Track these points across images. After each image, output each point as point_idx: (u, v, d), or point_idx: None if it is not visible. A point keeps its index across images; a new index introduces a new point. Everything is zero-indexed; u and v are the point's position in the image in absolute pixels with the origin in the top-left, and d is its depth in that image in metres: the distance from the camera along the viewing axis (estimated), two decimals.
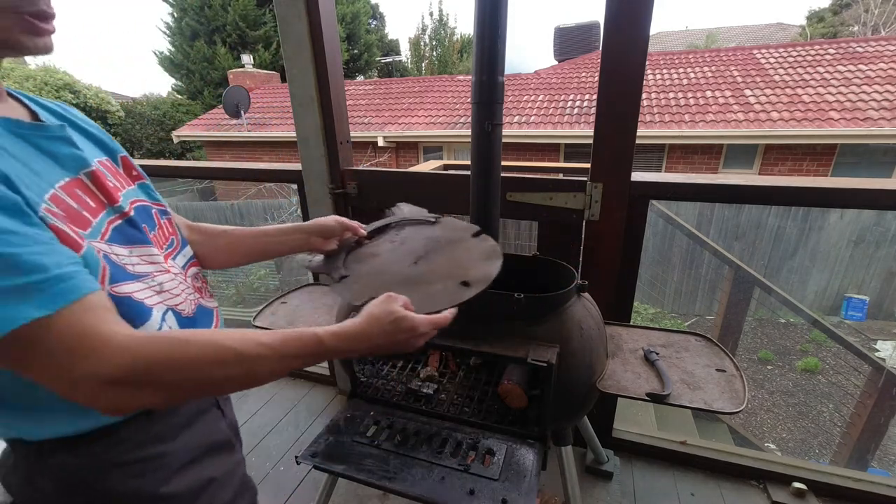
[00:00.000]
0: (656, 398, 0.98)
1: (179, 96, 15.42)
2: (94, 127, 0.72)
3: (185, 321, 0.68)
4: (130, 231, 0.65)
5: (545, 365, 0.91)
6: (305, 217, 1.86)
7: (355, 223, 0.98)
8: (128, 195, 0.68)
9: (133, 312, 0.58)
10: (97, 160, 0.66)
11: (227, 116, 9.96)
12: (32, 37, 0.55)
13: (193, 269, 0.79)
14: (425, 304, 0.73)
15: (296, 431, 1.92)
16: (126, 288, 0.59)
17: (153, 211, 0.74)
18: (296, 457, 0.99)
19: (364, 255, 0.96)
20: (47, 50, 0.57)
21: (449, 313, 0.71)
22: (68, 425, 0.56)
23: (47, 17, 0.55)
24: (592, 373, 1.04)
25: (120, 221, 0.64)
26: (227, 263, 0.88)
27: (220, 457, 0.69)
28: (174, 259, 0.74)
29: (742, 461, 1.60)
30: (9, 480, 0.59)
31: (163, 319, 0.64)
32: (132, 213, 0.66)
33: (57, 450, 0.56)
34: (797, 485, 1.51)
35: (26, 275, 0.45)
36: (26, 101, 0.63)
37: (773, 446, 4.35)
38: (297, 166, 1.81)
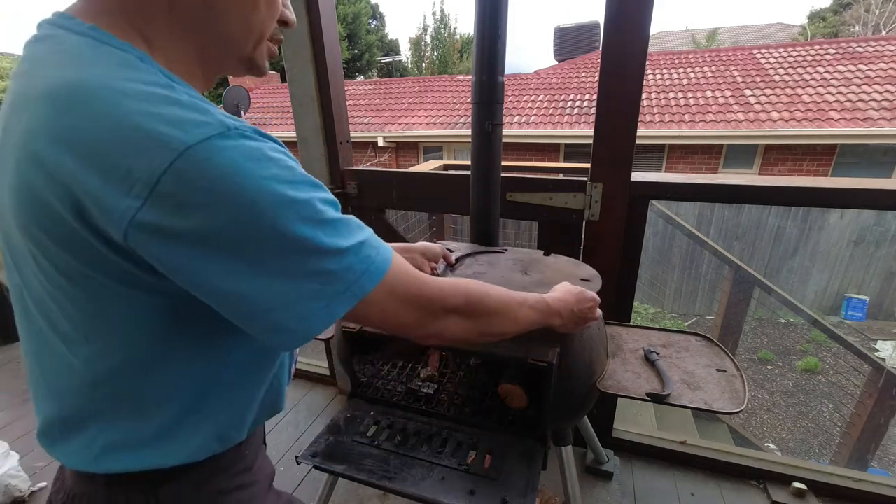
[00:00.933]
0: (657, 398, 0.98)
1: None
2: None
3: None
4: None
5: (545, 365, 0.91)
6: None
7: (449, 253, 1.11)
8: None
9: None
10: None
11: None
12: (268, 61, 0.57)
13: None
14: None
15: (296, 431, 1.92)
16: None
17: None
18: (296, 457, 0.99)
19: (471, 275, 1.09)
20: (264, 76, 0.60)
21: (596, 299, 0.86)
22: (205, 448, 0.54)
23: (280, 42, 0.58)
24: (593, 373, 1.04)
25: None
26: None
27: (275, 489, 0.71)
28: None
29: (742, 461, 1.60)
30: None
31: None
32: None
33: (174, 477, 0.54)
34: (797, 485, 1.51)
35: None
36: None
37: (773, 446, 4.35)
38: None
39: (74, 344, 0.47)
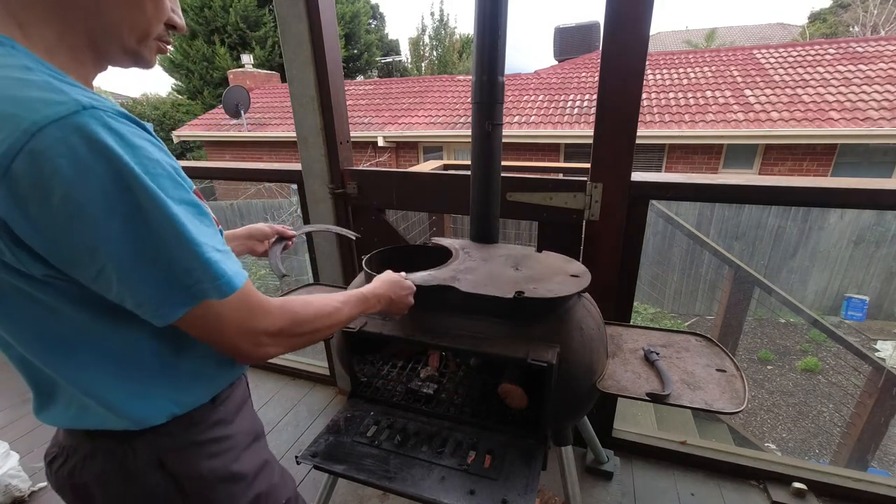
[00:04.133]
0: (657, 398, 0.98)
1: (179, 96, 15.41)
2: None
3: None
4: None
5: (545, 365, 0.91)
6: (305, 217, 1.86)
7: (282, 227, 1.11)
8: None
9: None
10: None
11: (227, 116, 9.95)
12: (156, 57, 0.62)
13: None
14: (563, 292, 0.97)
15: (296, 431, 1.92)
16: None
17: None
18: (296, 457, 0.99)
19: (463, 270, 1.10)
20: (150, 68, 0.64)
21: (411, 287, 0.94)
22: (163, 410, 0.61)
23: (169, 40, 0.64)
24: (592, 373, 1.04)
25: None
26: None
27: (262, 442, 0.77)
28: None
29: (742, 461, 1.60)
30: (87, 469, 0.61)
31: None
32: None
33: (147, 433, 0.61)
34: (797, 485, 1.51)
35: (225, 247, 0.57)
36: None
37: (773, 446, 4.35)
38: (297, 166, 1.81)
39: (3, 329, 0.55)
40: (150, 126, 0.54)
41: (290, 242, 1.10)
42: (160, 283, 0.49)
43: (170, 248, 0.48)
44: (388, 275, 0.92)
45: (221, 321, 0.55)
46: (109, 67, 0.59)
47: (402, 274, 0.96)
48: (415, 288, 0.94)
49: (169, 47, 0.63)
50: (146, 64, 0.60)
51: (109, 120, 0.45)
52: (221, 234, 0.60)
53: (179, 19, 0.62)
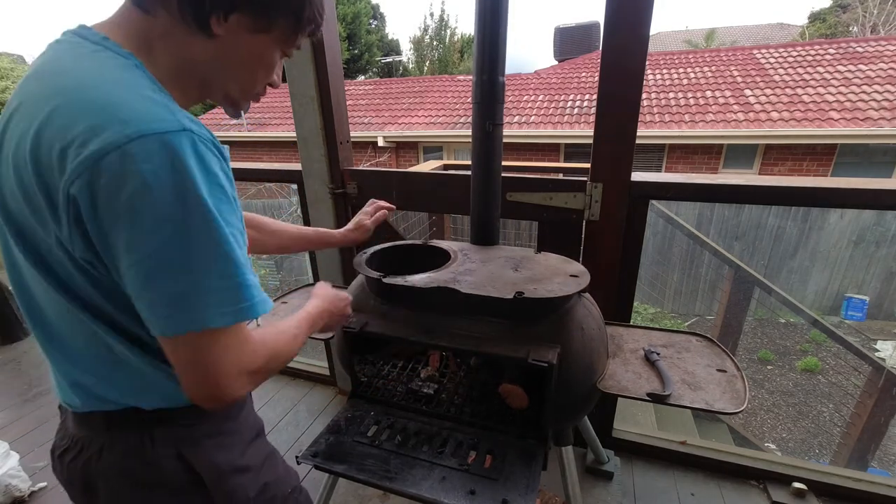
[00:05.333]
0: (657, 398, 0.98)
1: None
2: None
3: None
4: None
5: (546, 365, 0.91)
6: (305, 217, 1.86)
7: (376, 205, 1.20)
8: None
9: None
10: None
11: (227, 116, 9.93)
12: (248, 106, 0.70)
13: None
14: (563, 292, 0.97)
15: (296, 431, 1.92)
16: None
17: None
18: (296, 457, 0.99)
19: (462, 271, 1.09)
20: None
21: (347, 297, 0.92)
22: (176, 397, 0.62)
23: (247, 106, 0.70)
24: (593, 373, 1.04)
25: None
26: (264, 252, 1.06)
27: (263, 438, 0.79)
28: None
29: (742, 461, 1.60)
30: (104, 460, 0.62)
31: None
32: None
33: (166, 420, 0.63)
34: (797, 485, 1.51)
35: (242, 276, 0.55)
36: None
37: (773, 446, 4.35)
38: (297, 166, 1.81)
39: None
40: (227, 151, 0.59)
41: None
42: (186, 292, 0.50)
43: (209, 261, 0.51)
44: (323, 288, 0.89)
45: (214, 350, 0.53)
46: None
47: (326, 284, 0.93)
48: (351, 298, 0.92)
49: (259, 98, 0.70)
50: (238, 109, 0.68)
51: (199, 144, 0.51)
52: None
53: (278, 79, 0.68)
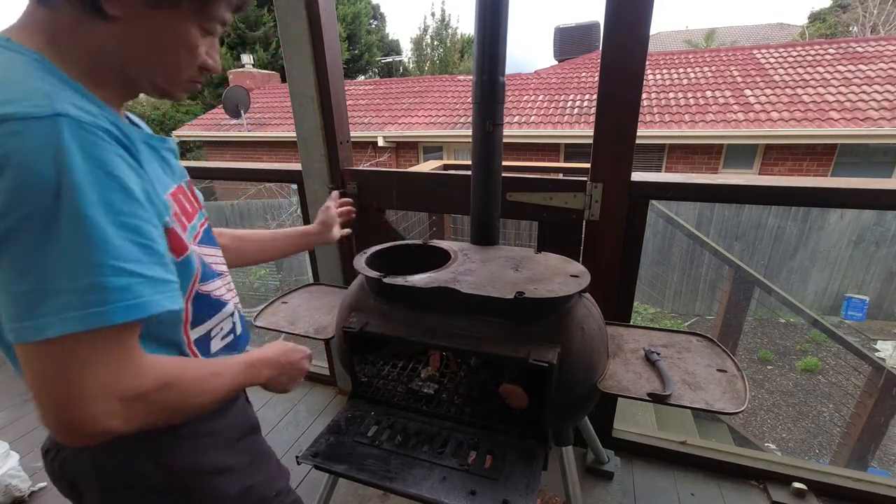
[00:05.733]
0: (658, 398, 0.98)
1: None
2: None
3: (241, 318, 0.79)
4: (211, 233, 0.76)
5: (546, 365, 0.91)
6: (305, 217, 1.86)
7: (335, 201, 1.18)
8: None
9: (208, 307, 0.69)
10: None
11: (227, 116, 9.95)
12: (186, 92, 0.65)
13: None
14: (563, 292, 0.97)
15: (296, 431, 1.92)
16: (209, 286, 0.69)
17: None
18: (296, 457, 0.99)
19: (463, 271, 1.09)
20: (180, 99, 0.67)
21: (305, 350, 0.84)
22: None
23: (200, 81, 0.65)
24: (593, 373, 1.04)
25: (207, 224, 0.74)
26: (241, 265, 1.01)
27: (256, 437, 0.79)
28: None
29: (742, 461, 1.60)
30: (81, 460, 0.62)
31: (233, 314, 0.76)
32: (209, 222, 0.77)
33: None
34: (797, 485, 1.51)
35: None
36: (132, 118, 0.71)
37: (773, 446, 4.35)
38: (297, 166, 1.81)
39: None
40: (141, 139, 0.58)
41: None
42: (29, 292, 0.44)
43: (62, 257, 0.44)
44: (278, 343, 0.83)
45: (68, 365, 0.45)
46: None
47: (290, 345, 0.85)
48: (310, 352, 0.85)
49: (198, 87, 0.66)
50: (173, 98, 0.64)
51: (81, 131, 0.46)
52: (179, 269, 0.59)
53: (214, 62, 0.63)
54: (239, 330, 0.79)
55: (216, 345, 0.72)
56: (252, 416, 0.80)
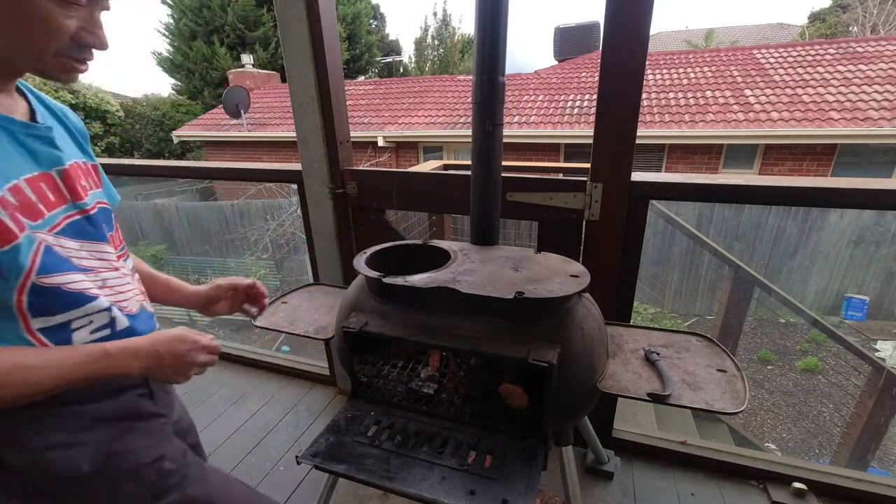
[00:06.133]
0: (657, 398, 0.98)
1: (179, 96, 15.41)
2: (83, 135, 0.83)
3: (129, 318, 0.78)
4: (88, 227, 0.74)
5: (546, 365, 0.91)
6: (305, 217, 1.86)
7: (232, 281, 1.04)
8: (95, 196, 0.78)
9: (59, 299, 0.67)
10: (75, 161, 0.75)
11: (227, 116, 9.96)
12: (70, 72, 0.64)
13: (136, 275, 0.88)
14: (563, 292, 0.96)
15: (296, 431, 1.92)
16: (60, 279, 0.67)
17: (113, 215, 0.83)
18: (296, 456, 0.99)
19: (462, 271, 1.08)
20: (71, 83, 0.67)
21: (211, 339, 0.81)
22: None
23: (87, 60, 0.64)
24: (593, 373, 1.04)
25: (78, 217, 0.72)
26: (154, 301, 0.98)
27: (135, 424, 0.77)
28: (125, 261, 0.84)
29: (742, 461, 1.60)
30: None
31: (110, 310, 0.74)
32: (93, 212, 0.75)
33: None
34: (797, 485, 1.51)
35: None
36: (30, 98, 0.71)
37: (773, 446, 4.35)
38: (297, 166, 1.81)
39: None
40: (16, 129, 0.61)
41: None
42: None
43: None
44: (171, 331, 0.78)
45: None
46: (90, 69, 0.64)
47: (182, 329, 0.81)
48: (204, 343, 0.79)
49: (83, 66, 0.64)
50: (57, 79, 0.63)
51: None
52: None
53: (93, 37, 0.61)
54: (121, 326, 0.76)
55: (83, 336, 0.71)
56: (140, 409, 0.79)
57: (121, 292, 0.78)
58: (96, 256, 0.75)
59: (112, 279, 0.77)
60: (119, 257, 0.81)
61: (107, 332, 0.75)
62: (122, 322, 0.77)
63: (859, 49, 7.99)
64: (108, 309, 0.74)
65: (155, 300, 0.97)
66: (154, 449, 0.77)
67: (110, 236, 0.80)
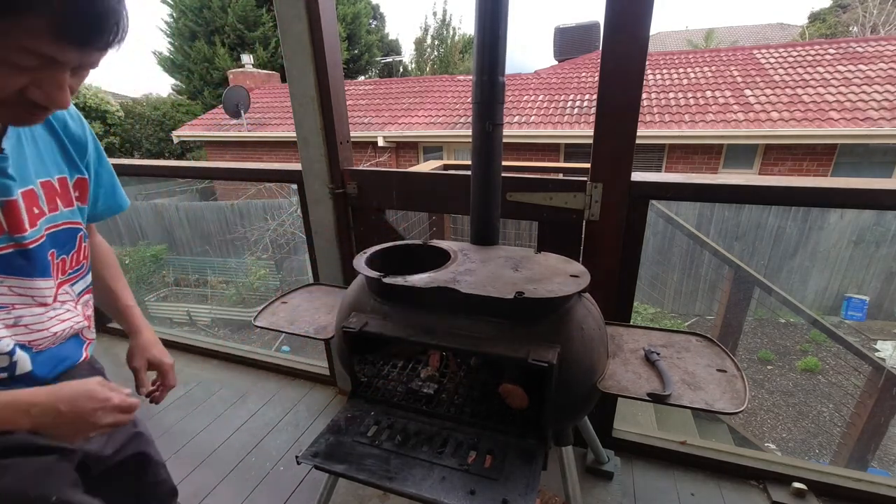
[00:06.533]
0: (657, 398, 0.98)
1: (179, 96, 15.42)
2: (79, 146, 0.78)
3: (36, 355, 0.73)
4: (19, 262, 0.69)
5: (546, 365, 0.91)
6: (305, 217, 1.86)
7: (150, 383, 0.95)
8: (53, 219, 0.73)
9: None
10: (46, 179, 0.72)
11: (227, 116, 9.96)
12: (16, 122, 0.62)
13: (87, 297, 0.84)
14: (563, 292, 0.95)
15: (296, 431, 1.92)
16: None
17: (79, 234, 0.78)
18: (296, 456, 0.99)
19: (462, 271, 1.08)
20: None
21: (127, 395, 0.73)
22: None
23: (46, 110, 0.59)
24: (593, 373, 1.04)
25: (11, 251, 0.68)
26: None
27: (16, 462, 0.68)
28: (73, 286, 0.79)
29: (742, 461, 1.60)
30: None
31: (12, 353, 0.69)
32: (33, 245, 0.70)
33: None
34: (797, 485, 1.51)
35: None
36: None
37: (773, 446, 4.35)
38: (297, 166, 1.81)
39: None
40: None
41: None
42: None
43: None
44: (83, 382, 0.69)
45: None
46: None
47: (99, 380, 0.72)
48: (117, 402, 0.69)
49: (35, 119, 0.60)
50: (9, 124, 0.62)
51: None
52: None
53: (43, 95, 0.55)
54: (22, 370, 0.71)
55: None
56: (24, 437, 0.68)
57: (38, 330, 0.72)
58: (17, 292, 0.69)
59: (29, 316, 0.71)
60: (64, 283, 0.76)
61: (3, 375, 0.69)
62: (25, 366, 0.71)
63: (859, 49, 7.99)
64: (10, 353, 0.68)
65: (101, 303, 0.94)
66: (32, 490, 0.66)
67: (61, 260, 0.75)
